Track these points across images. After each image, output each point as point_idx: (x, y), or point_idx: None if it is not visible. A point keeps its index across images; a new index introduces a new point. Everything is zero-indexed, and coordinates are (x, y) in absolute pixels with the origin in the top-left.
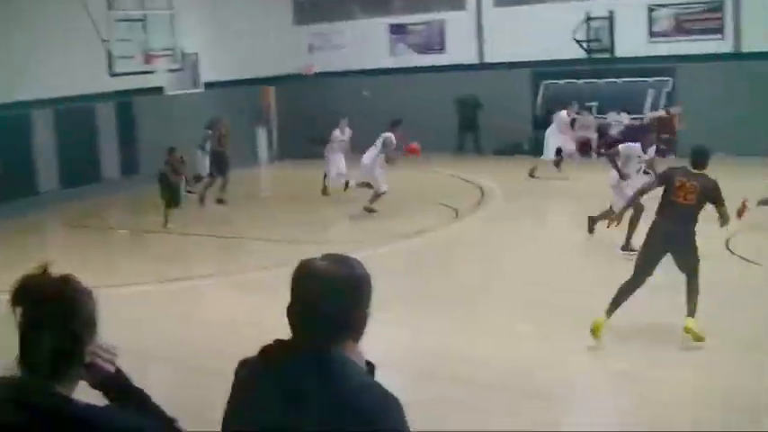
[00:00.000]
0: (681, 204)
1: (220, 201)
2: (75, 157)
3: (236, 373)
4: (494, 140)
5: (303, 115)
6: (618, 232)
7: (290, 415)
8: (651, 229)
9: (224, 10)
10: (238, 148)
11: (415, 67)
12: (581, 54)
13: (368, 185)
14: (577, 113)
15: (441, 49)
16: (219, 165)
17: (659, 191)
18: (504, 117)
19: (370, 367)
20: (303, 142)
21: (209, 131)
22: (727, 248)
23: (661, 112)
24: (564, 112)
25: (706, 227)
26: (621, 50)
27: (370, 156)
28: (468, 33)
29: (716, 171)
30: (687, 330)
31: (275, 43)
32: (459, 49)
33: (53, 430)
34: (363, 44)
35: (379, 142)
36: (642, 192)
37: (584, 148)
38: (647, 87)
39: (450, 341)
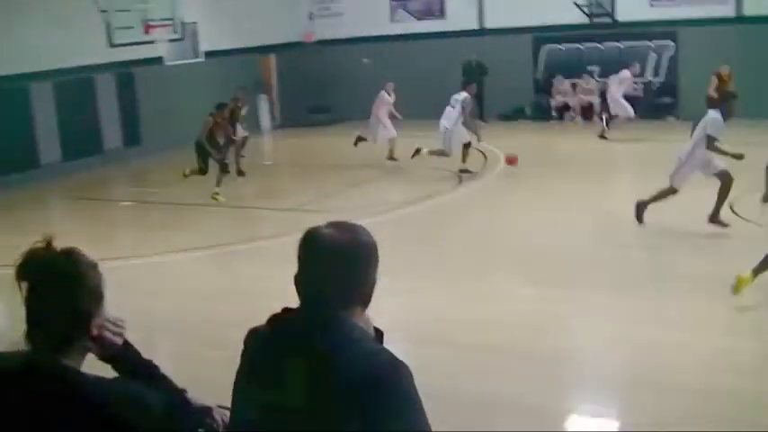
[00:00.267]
0: None
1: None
2: (77, 129)
3: (245, 343)
4: (496, 106)
5: (304, 83)
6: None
7: (297, 382)
8: None
9: None
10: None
11: (416, 34)
12: (582, 19)
13: (441, 153)
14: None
15: (441, 14)
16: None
17: None
18: (505, 82)
19: (379, 334)
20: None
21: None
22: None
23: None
24: (627, 71)
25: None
26: (623, 14)
27: (450, 118)
28: None
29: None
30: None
31: (275, 11)
32: (459, 15)
33: (62, 403)
34: (364, 11)
35: (457, 104)
36: None
37: (586, 111)
38: (647, 51)
39: (455, 306)
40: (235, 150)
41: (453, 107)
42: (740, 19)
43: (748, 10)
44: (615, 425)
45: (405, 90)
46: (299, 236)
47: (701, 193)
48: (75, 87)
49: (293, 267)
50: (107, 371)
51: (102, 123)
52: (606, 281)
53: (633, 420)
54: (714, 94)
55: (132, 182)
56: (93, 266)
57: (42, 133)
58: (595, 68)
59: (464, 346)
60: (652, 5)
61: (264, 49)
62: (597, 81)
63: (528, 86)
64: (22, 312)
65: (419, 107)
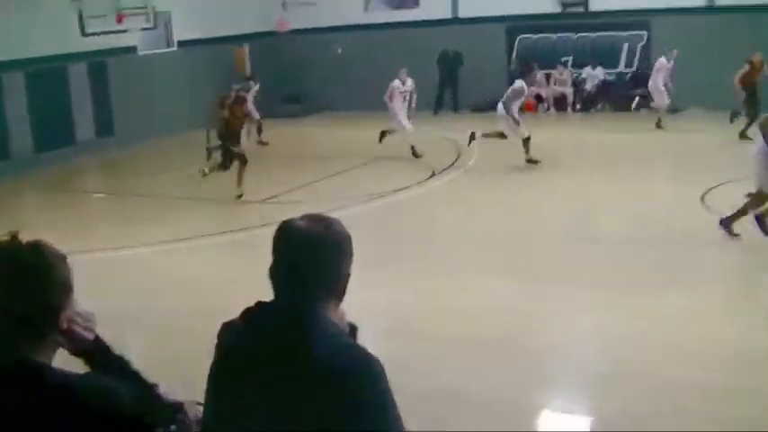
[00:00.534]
0: None
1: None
2: (49, 120)
3: (219, 337)
4: (471, 97)
5: (278, 73)
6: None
7: (272, 377)
8: None
9: None
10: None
11: (389, 23)
12: (555, 8)
13: (501, 135)
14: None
15: (415, 4)
16: None
17: None
18: (479, 73)
19: (353, 329)
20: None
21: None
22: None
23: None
24: (664, 59)
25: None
26: (596, 4)
27: (501, 107)
28: None
29: (697, 126)
30: None
31: (249, 1)
32: (433, 4)
33: (30, 398)
34: (338, 0)
35: (510, 90)
36: None
37: (559, 102)
38: (621, 41)
39: (429, 300)
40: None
41: (507, 94)
42: (711, 9)
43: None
44: (587, 420)
45: (378, 79)
46: (274, 228)
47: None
48: (47, 77)
49: (268, 260)
50: (80, 365)
51: (75, 114)
52: (585, 276)
53: (606, 415)
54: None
55: (105, 173)
56: (62, 259)
57: (13, 124)
58: (569, 59)
59: (438, 341)
60: None
61: (238, 39)
62: (571, 71)
63: (502, 77)
64: None
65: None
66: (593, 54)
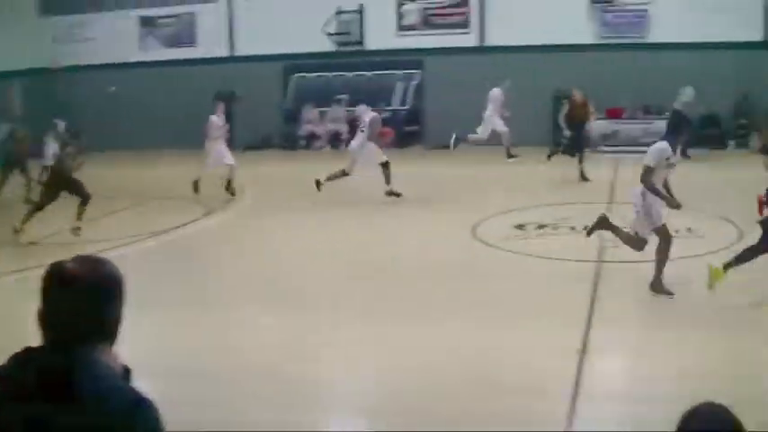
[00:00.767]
0: None
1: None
2: None
3: None
4: (245, 135)
5: (52, 111)
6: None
7: (41, 422)
8: None
9: None
10: None
11: (165, 61)
12: (332, 47)
13: (343, 173)
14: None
15: (191, 42)
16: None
17: None
18: (255, 111)
19: (126, 371)
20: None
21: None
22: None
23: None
24: (498, 90)
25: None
26: (371, 43)
27: (358, 140)
28: (219, 26)
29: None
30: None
31: (19, 36)
32: (210, 43)
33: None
34: (113, 37)
35: (365, 125)
36: None
37: (335, 140)
38: (395, 80)
39: (206, 337)
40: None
41: (362, 130)
42: (483, 48)
43: (490, 40)
44: None
45: (152, 118)
46: (42, 271)
47: (446, 220)
48: None
49: (36, 304)
50: None
51: None
52: (357, 309)
53: None
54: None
55: None
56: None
57: None
58: (344, 97)
59: (213, 377)
60: (400, 35)
61: (8, 75)
62: (346, 110)
63: (277, 115)
64: None
65: (168, 135)
66: (368, 92)
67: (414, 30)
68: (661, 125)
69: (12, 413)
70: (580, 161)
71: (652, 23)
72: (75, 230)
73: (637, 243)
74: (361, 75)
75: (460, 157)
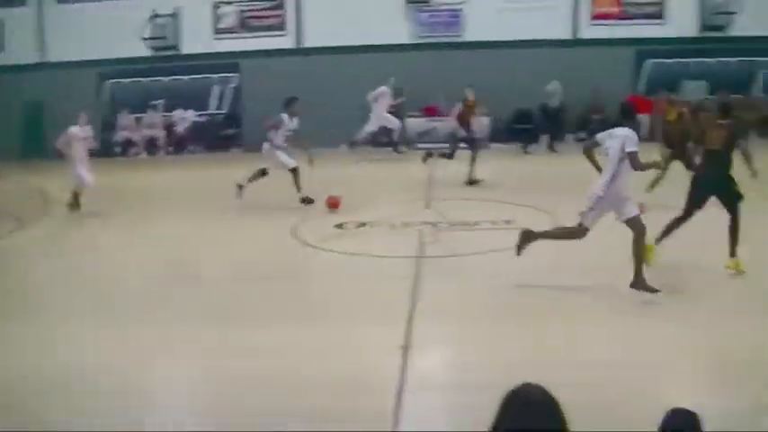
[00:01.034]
0: None
1: None
2: None
3: None
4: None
5: None
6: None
7: None
8: None
9: None
10: None
11: None
12: (147, 52)
13: (262, 173)
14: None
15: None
16: None
17: None
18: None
19: None
20: None
21: None
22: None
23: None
24: (385, 87)
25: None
26: (187, 47)
27: (267, 143)
28: (29, 31)
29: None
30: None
31: None
32: (20, 49)
33: None
34: None
35: (270, 125)
36: None
37: (151, 146)
38: (212, 83)
39: (30, 354)
40: None
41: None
42: (300, 50)
43: (308, 42)
44: None
45: None
46: None
47: (268, 223)
48: None
49: None
50: None
51: None
52: (186, 314)
53: None
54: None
55: None
56: None
57: None
58: (160, 102)
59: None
60: (216, 38)
61: None
62: (163, 115)
63: (94, 123)
64: None
65: None
66: (185, 97)
67: (230, 33)
68: (478, 121)
69: None
70: (473, 161)
71: (467, 22)
72: None
73: (576, 233)
74: (177, 79)
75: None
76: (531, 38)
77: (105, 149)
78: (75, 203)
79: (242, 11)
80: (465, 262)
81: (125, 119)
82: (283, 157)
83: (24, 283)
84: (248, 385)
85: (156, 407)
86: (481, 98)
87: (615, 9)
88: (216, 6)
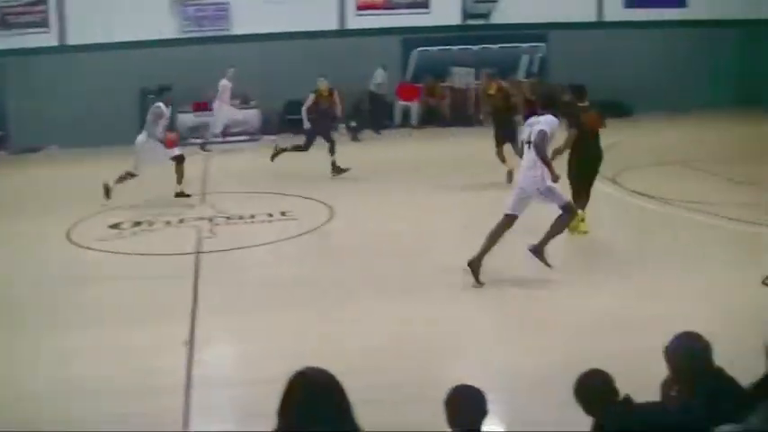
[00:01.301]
0: None
1: None
2: None
3: None
4: None
5: None
6: None
7: None
8: None
9: None
10: None
11: None
12: None
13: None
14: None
15: None
16: None
17: None
18: None
19: None
20: None
21: None
22: None
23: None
24: (225, 80)
25: None
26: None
27: (143, 135)
28: None
29: None
30: None
31: None
32: None
33: None
34: None
35: (149, 117)
36: None
37: None
38: None
39: None
40: None
41: (147, 121)
42: (64, 47)
43: (71, 38)
44: None
45: None
46: None
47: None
48: None
49: None
50: None
51: None
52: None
53: None
54: None
55: None
56: None
57: None
58: None
59: None
60: None
61: None
62: None
63: None
64: None
65: None
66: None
67: None
68: (248, 113)
69: None
70: (332, 153)
71: (234, 16)
72: None
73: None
74: None
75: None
76: (298, 29)
77: None
78: None
79: (2, 8)
80: (244, 255)
81: None
82: (162, 148)
83: None
84: (21, 395)
85: None
86: (253, 91)
87: None
88: None
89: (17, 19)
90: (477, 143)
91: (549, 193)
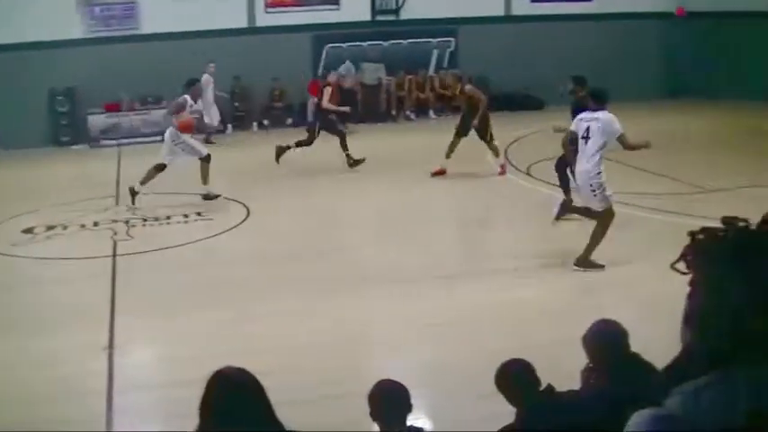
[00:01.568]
0: None
1: None
2: None
3: None
4: None
5: None
6: None
7: None
8: None
9: None
10: None
11: None
12: None
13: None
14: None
15: None
16: None
17: None
18: None
19: None
20: None
21: None
22: None
23: None
24: (208, 75)
25: None
26: None
27: (172, 129)
28: None
29: None
30: None
31: None
32: None
33: None
34: None
35: (171, 107)
36: None
37: None
38: None
39: None
40: None
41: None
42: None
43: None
44: None
45: None
46: None
47: None
48: None
49: None
50: None
51: None
52: None
53: None
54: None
55: None
56: None
57: None
58: None
59: None
60: None
61: None
62: None
63: None
64: None
65: None
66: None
67: None
68: (161, 114)
69: None
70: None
71: (143, 15)
72: None
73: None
74: None
75: None
76: (208, 28)
77: None
78: None
79: None
80: (161, 257)
81: None
82: (193, 142)
83: None
84: None
85: None
86: (162, 91)
87: None
88: None
89: None
90: (392, 139)
91: (599, 189)
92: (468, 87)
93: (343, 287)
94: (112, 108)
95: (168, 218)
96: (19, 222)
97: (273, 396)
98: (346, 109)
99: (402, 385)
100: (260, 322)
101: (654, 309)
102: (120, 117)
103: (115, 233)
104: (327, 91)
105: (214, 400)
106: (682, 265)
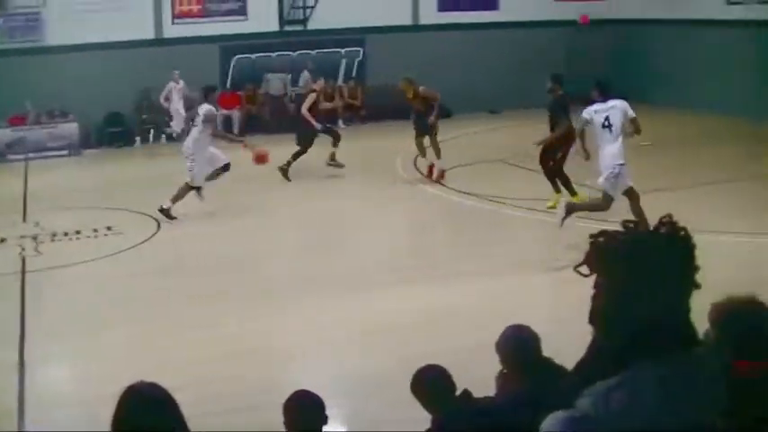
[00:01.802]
0: None
1: None
2: None
3: None
4: None
5: None
6: None
7: None
8: None
9: None
10: None
11: None
12: None
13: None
14: None
15: None
16: None
17: None
18: None
19: None
20: None
21: None
22: None
23: None
24: (173, 82)
25: None
26: None
27: (192, 137)
28: None
29: None
30: None
31: None
32: None
33: None
34: None
35: (198, 119)
36: None
37: None
38: None
39: None
40: None
41: (195, 124)
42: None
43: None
44: None
45: None
46: None
47: None
48: None
49: None
50: None
51: None
52: None
53: None
54: None
55: None
56: None
57: None
58: None
59: None
60: None
61: None
62: None
63: None
64: None
65: None
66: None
67: None
68: (65, 127)
69: None
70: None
71: (47, 26)
72: None
73: (603, 204)
74: None
75: None
76: (114, 39)
77: None
78: None
79: None
80: (70, 273)
81: None
82: (201, 167)
83: None
84: None
85: None
86: (70, 104)
87: (196, 7)
88: None
89: None
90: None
91: (615, 175)
92: (422, 89)
93: (256, 299)
94: (17, 122)
95: (78, 233)
96: None
97: (187, 410)
98: (318, 126)
99: (317, 396)
100: (173, 336)
101: (569, 312)
102: (26, 131)
103: (23, 249)
104: (311, 97)
105: (126, 416)
106: (585, 269)
